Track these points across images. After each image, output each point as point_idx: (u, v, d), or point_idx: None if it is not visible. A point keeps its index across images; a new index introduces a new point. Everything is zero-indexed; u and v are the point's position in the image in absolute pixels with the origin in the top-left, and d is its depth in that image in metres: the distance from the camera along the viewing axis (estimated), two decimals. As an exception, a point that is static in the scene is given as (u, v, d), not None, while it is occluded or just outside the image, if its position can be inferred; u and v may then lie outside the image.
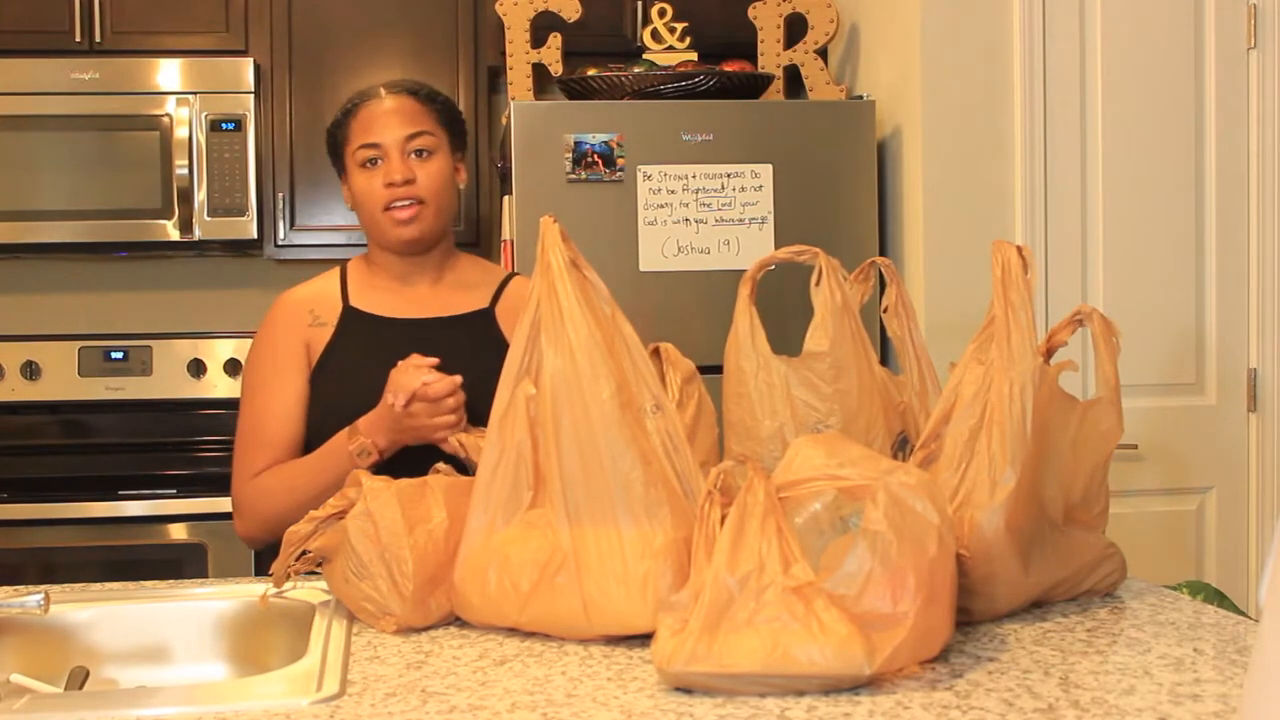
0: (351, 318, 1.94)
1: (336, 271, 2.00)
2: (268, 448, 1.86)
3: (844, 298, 1.63)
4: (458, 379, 1.72)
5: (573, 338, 1.41)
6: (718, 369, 1.68)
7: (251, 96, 3.21)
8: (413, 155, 1.89)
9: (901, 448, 1.64)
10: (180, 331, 3.52)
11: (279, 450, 1.86)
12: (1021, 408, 1.40)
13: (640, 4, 3.31)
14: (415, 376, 1.72)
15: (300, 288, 1.99)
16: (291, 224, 3.30)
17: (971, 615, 1.44)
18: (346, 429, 1.79)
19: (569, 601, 1.39)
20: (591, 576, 1.38)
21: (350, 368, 1.90)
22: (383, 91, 1.93)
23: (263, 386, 1.91)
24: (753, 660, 1.19)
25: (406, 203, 1.88)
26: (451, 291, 1.97)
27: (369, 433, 1.76)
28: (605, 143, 2.85)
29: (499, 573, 1.43)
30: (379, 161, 1.89)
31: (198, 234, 3.18)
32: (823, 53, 3.13)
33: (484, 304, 1.97)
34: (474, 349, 1.89)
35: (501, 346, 1.90)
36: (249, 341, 2.01)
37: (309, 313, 1.93)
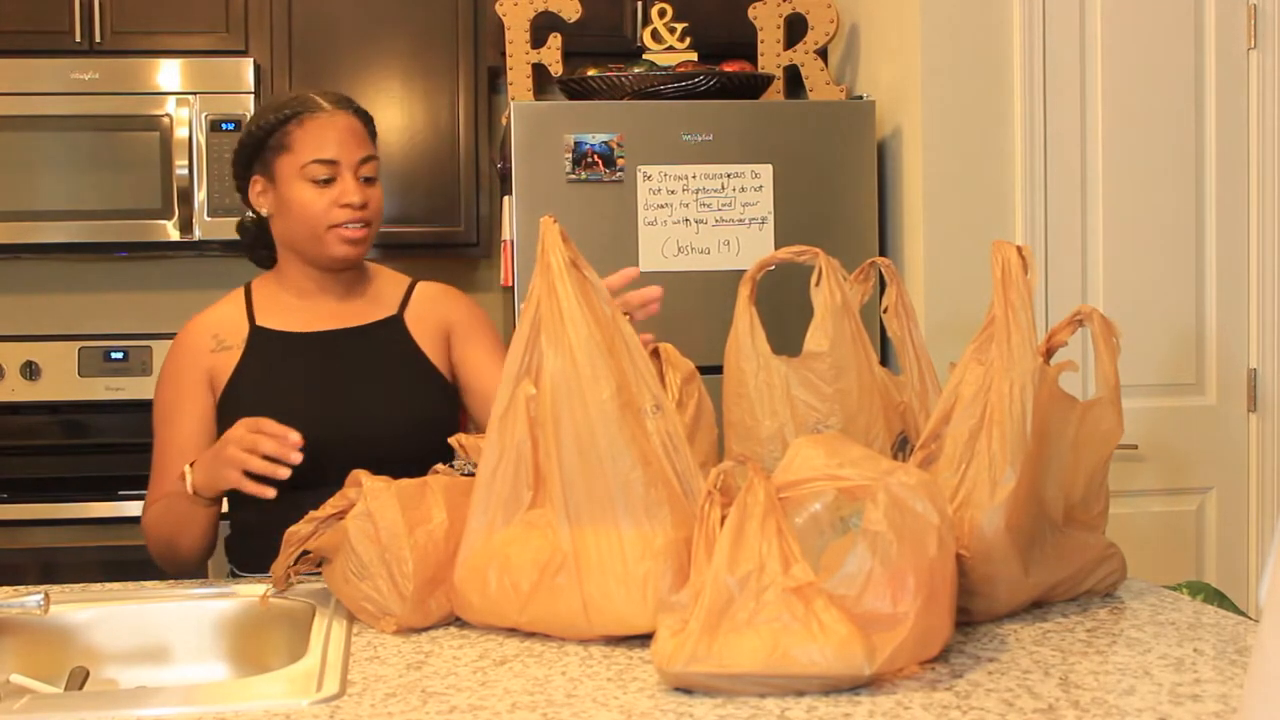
0: (258, 337, 1.91)
1: (241, 292, 1.97)
2: (169, 479, 1.83)
3: (844, 298, 1.63)
4: (295, 437, 1.61)
5: (573, 338, 1.41)
6: (718, 369, 1.68)
7: (251, 97, 3.20)
8: (363, 179, 1.87)
9: (901, 448, 1.64)
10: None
11: (182, 470, 1.79)
12: (1021, 408, 1.40)
13: (640, 4, 3.31)
14: (271, 423, 1.63)
15: (204, 312, 1.96)
16: (291, 224, 3.30)
17: (971, 615, 1.44)
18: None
19: (569, 602, 1.39)
20: (591, 577, 1.38)
21: (261, 386, 1.87)
22: (327, 105, 1.87)
23: (166, 418, 1.90)
24: (753, 660, 1.19)
25: (358, 225, 1.86)
26: (360, 303, 1.96)
27: (196, 464, 1.72)
28: (605, 143, 2.85)
29: (499, 573, 1.43)
30: (332, 180, 1.85)
31: (198, 234, 3.18)
32: (823, 53, 3.13)
33: (392, 311, 1.96)
34: (386, 357, 1.89)
35: (414, 352, 1.92)
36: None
37: (212, 337, 1.91)
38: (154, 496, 1.87)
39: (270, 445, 1.61)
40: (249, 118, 1.96)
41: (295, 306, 1.94)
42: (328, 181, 1.85)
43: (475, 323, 2.00)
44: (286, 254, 1.94)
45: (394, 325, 1.95)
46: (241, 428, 1.64)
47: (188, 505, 1.74)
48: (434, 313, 1.98)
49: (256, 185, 1.91)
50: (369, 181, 1.89)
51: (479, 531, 1.46)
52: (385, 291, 1.99)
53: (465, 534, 1.48)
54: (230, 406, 1.85)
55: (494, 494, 1.46)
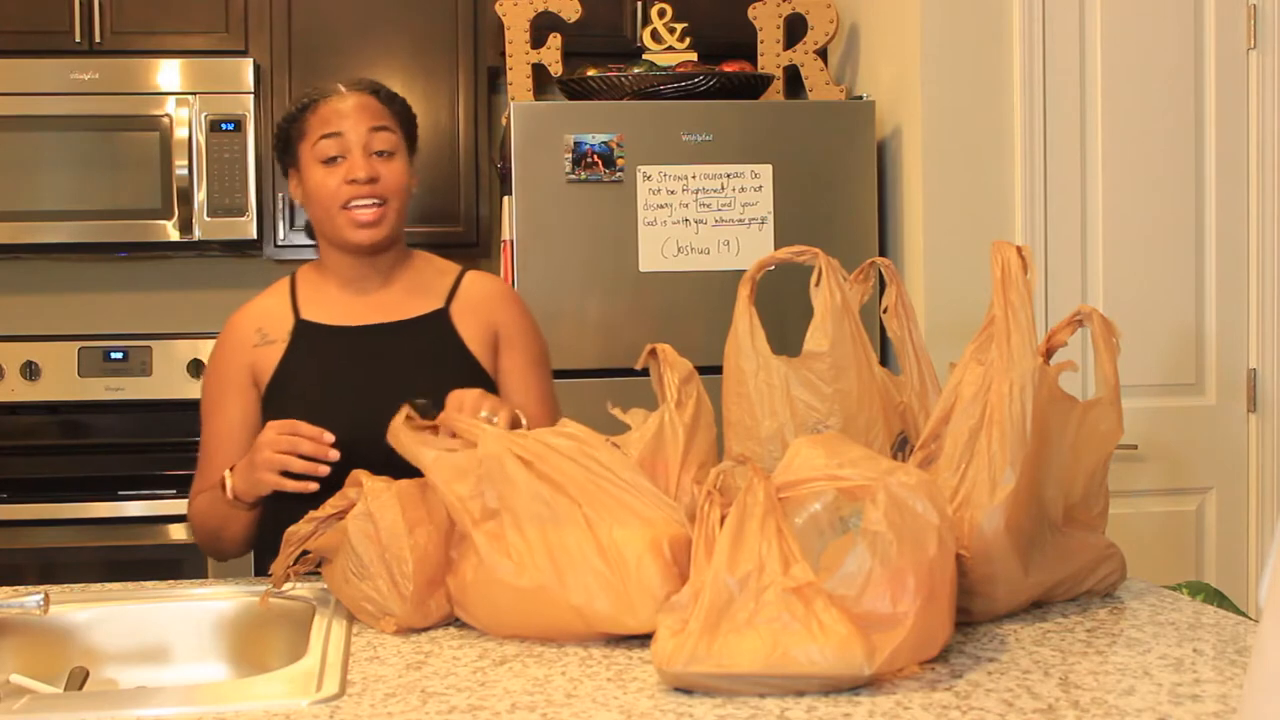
0: (302, 331, 1.88)
1: (286, 282, 1.94)
2: (214, 471, 1.82)
3: (844, 298, 1.63)
4: (329, 435, 1.63)
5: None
6: (718, 369, 1.68)
7: (251, 97, 3.20)
8: (375, 155, 1.83)
9: (901, 448, 1.63)
10: (180, 331, 3.51)
11: (222, 474, 1.79)
12: (1021, 408, 1.40)
13: (640, 4, 3.30)
14: (304, 424, 1.66)
15: (250, 305, 1.94)
16: (291, 224, 3.30)
17: (971, 615, 1.44)
18: None
19: (565, 617, 1.40)
20: (581, 589, 1.39)
21: (305, 382, 1.85)
22: (343, 88, 1.86)
23: (212, 411, 1.89)
24: (753, 661, 1.19)
25: (370, 202, 1.82)
26: (405, 294, 1.92)
27: (235, 470, 1.72)
28: (605, 143, 2.85)
29: (493, 602, 1.44)
30: (340, 159, 1.82)
31: (198, 234, 3.18)
32: (823, 53, 3.13)
33: (439, 305, 1.91)
34: (431, 353, 1.86)
35: (459, 348, 1.88)
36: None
37: (256, 331, 1.89)
38: (199, 487, 1.87)
39: (308, 446, 1.62)
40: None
41: (338, 297, 1.91)
42: (338, 160, 1.82)
43: (520, 336, 1.94)
44: (322, 242, 1.93)
45: (440, 319, 1.90)
46: (272, 431, 1.65)
47: (228, 508, 1.75)
48: (483, 309, 1.93)
49: (292, 179, 1.90)
50: (383, 155, 1.84)
51: (469, 561, 1.47)
52: (432, 282, 1.94)
53: (457, 562, 1.49)
54: (275, 401, 1.84)
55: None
